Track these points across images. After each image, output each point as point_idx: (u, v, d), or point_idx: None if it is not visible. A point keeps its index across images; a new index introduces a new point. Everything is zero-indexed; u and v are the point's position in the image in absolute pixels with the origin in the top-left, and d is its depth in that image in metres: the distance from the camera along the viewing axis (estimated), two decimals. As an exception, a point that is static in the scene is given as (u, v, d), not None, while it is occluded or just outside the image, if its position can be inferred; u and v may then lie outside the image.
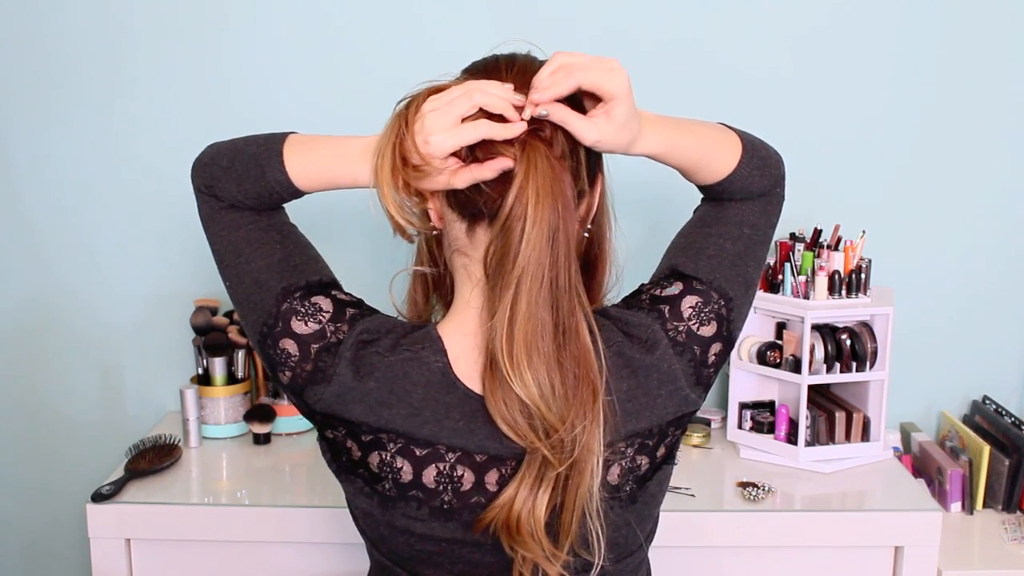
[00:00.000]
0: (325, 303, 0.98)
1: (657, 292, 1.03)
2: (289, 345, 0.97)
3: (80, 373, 1.97)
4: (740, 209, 1.06)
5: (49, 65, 1.85)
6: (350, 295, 1.01)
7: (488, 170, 0.91)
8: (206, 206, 1.02)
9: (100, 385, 1.98)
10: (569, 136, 0.94)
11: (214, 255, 1.02)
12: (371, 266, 1.86)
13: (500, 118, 0.91)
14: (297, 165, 0.97)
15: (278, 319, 0.97)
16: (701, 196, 1.11)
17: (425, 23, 1.83)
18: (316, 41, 1.84)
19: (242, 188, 0.99)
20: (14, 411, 1.99)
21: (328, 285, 1.00)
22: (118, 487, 1.59)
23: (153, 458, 1.69)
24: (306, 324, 0.97)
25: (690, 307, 1.02)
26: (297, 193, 1.00)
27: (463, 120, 0.90)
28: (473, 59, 1.01)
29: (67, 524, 1.99)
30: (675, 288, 1.03)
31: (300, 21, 1.83)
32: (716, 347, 1.03)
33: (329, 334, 0.96)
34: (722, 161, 1.04)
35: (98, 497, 1.55)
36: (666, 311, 1.01)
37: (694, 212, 1.11)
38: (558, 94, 0.91)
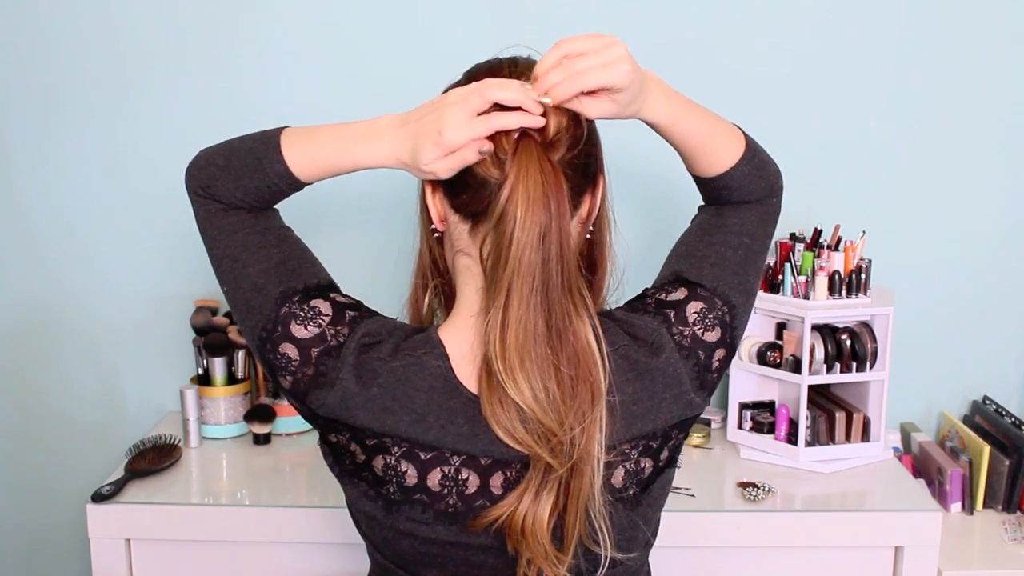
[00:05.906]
0: (324, 306, 0.97)
1: (662, 296, 1.04)
2: (289, 350, 0.96)
3: (80, 373, 1.97)
4: (738, 217, 1.07)
5: (51, 66, 1.85)
6: (349, 297, 1.01)
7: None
8: (203, 209, 1.01)
9: (100, 385, 1.98)
10: (571, 130, 0.94)
11: (211, 260, 1.01)
12: (374, 265, 1.86)
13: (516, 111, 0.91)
14: (296, 154, 0.97)
15: (277, 323, 0.96)
16: (699, 204, 1.11)
17: (427, 23, 1.83)
18: (319, 41, 1.84)
19: (240, 184, 0.98)
20: (14, 411, 1.99)
21: (326, 288, 1.00)
22: (118, 487, 1.59)
23: (153, 458, 1.69)
24: (306, 328, 0.96)
25: (695, 312, 1.02)
26: (297, 184, 0.99)
27: (478, 115, 0.90)
28: (474, 60, 1.01)
29: (67, 524, 1.99)
30: (680, 294, 1.03)
31: (303, 21, 1.83)
32: (720, 353, 1.03)
33: (329, 337, 0.96)
34: (724, 152, 1.03)
35: (98, 497, 1.55)
36: (671, 315, 1.01)
37: (692, 220, 1.11)
38: (560, 101, 0.91)
